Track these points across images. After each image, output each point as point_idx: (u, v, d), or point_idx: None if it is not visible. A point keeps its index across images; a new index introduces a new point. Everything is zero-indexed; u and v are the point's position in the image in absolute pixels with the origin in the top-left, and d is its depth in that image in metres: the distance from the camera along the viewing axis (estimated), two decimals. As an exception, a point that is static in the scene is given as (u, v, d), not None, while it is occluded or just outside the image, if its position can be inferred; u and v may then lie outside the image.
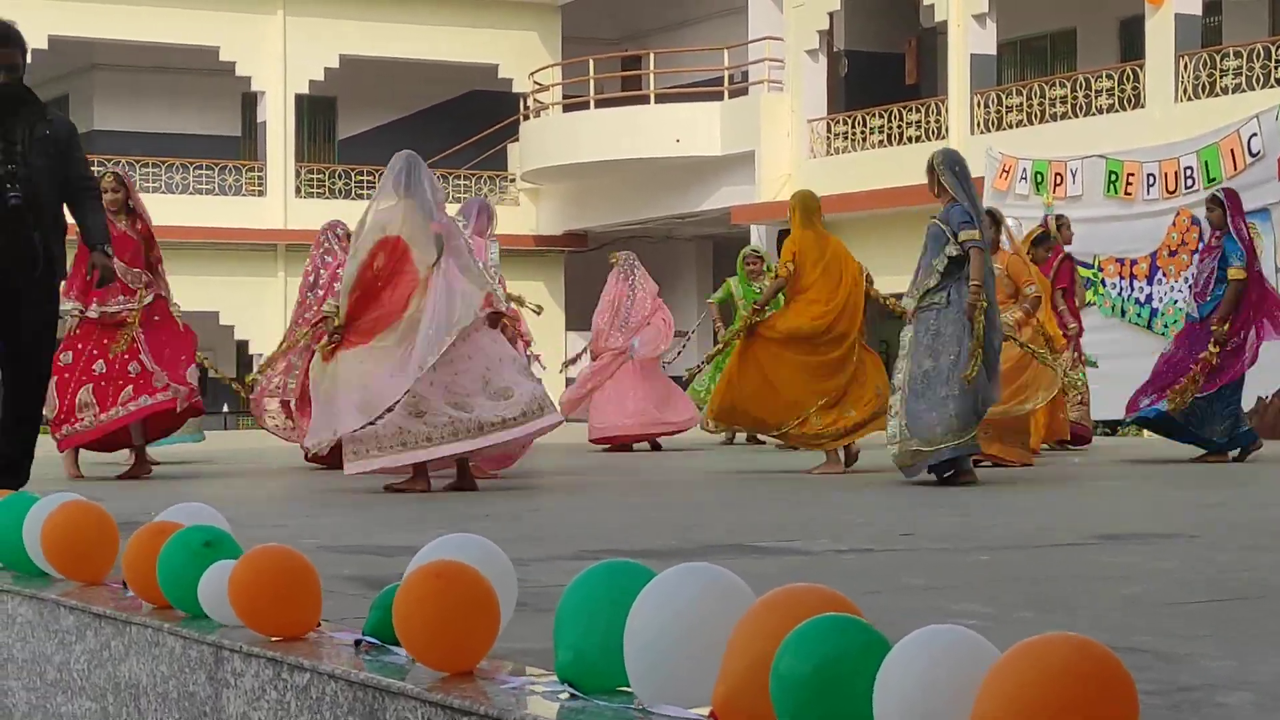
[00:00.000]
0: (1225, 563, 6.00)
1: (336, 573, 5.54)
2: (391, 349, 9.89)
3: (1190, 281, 12.78)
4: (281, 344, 13.73)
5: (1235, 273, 12.52)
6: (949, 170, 10.40)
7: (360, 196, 33.10)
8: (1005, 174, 18.86)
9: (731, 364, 12.03)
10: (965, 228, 10.21)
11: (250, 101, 33.59)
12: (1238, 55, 22.30)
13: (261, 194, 32.46)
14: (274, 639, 3.90)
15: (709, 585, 3.13)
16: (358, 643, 3.72)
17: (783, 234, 12.72)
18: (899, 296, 11.26)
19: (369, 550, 6.52)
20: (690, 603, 3.08)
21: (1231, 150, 16.72)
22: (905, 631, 2.60)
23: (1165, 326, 16.57)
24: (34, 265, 8.24)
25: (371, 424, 9.87)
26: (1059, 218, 14.34)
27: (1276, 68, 21.66)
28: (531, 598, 4.85)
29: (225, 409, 31.88)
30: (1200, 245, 15.97)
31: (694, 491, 10.94)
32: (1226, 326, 12.57)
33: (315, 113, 35.23)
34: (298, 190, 32.98)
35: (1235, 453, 12.77)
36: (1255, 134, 16.55)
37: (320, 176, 33.55)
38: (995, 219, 12.60)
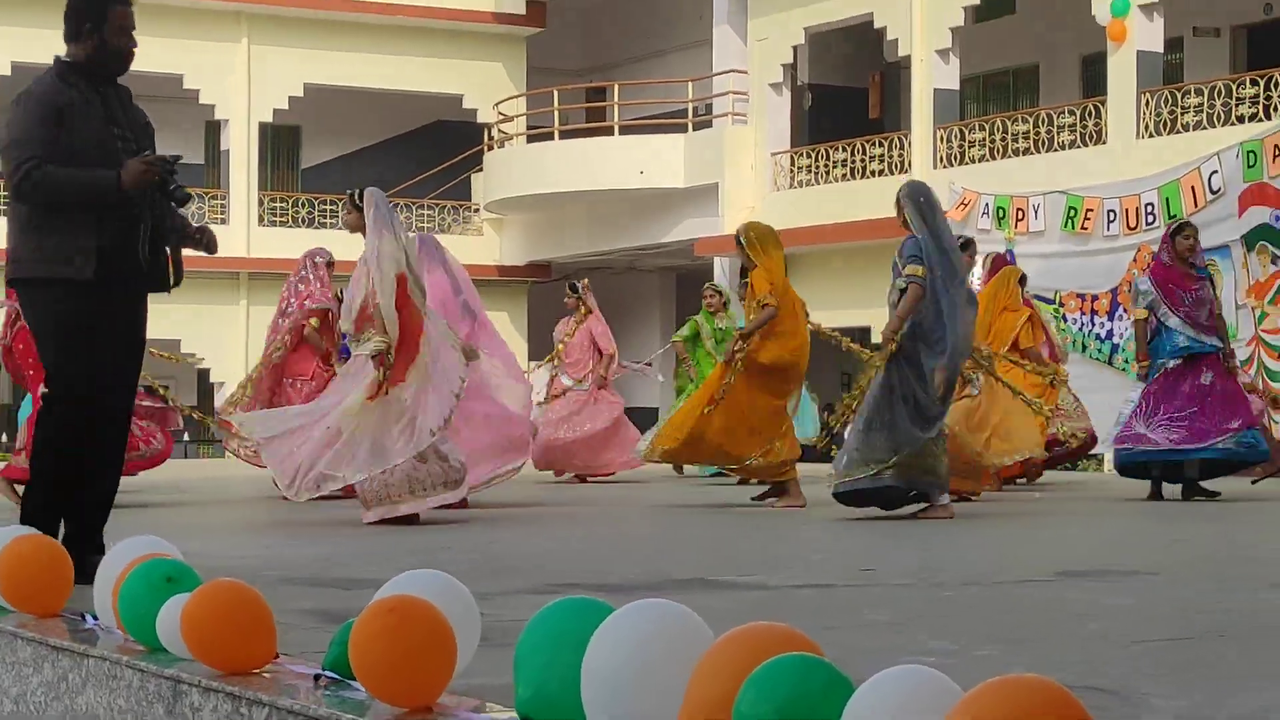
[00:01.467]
0: (1186, 600, 6.01)
1: (297, 606, 5.52)
2: (407, 402, 9.94)
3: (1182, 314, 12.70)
4: (257, 368, 13.72)
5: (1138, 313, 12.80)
6: (911, 203, 10.43)
7: (324, 225, 33.09)
8: (963, 206, 18.93)
9: (705, 397, 11.85)
10: (911, 262, 10.25)
11: (214, 130, 33.53)
12: (1199, 93, 22.40)
13: (224, 222, 32.37)
14: (232, 673, 3.87)
15: (665, 622, 3.13)
16: (317, 677, 3.70)
17: (745, 267, 12.64)
18: (848, 331, 11.30)
19: (330, 583, 6.50)
20: (647, 639, 3.08)
21: (1192, 187, 16.82)
22: (867, 669, 2.60)
23: (1125, 362, 16.64)
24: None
25: (384, 472, 9.95)
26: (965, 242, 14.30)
27: (1237, 105, 21.77)
28: (493, 632, 4.83)
29: (186, 437, 31.77)
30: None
31: (655, 524, 10.92)
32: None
33: (279, 141, 35.20)
34: (261, 219, 32.91)
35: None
36: (1216, 171, 16.64)
37: (283, 205, 33.50)
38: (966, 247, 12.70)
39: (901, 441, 10.22)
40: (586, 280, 17.54)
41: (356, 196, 10.35)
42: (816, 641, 2.98)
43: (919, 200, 10.45)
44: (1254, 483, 14.26)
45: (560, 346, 16.69)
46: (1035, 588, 6.43)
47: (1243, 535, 9.58)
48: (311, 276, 13.60)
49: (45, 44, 31.05)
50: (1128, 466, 12.81)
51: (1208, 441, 12.49)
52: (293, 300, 13.59)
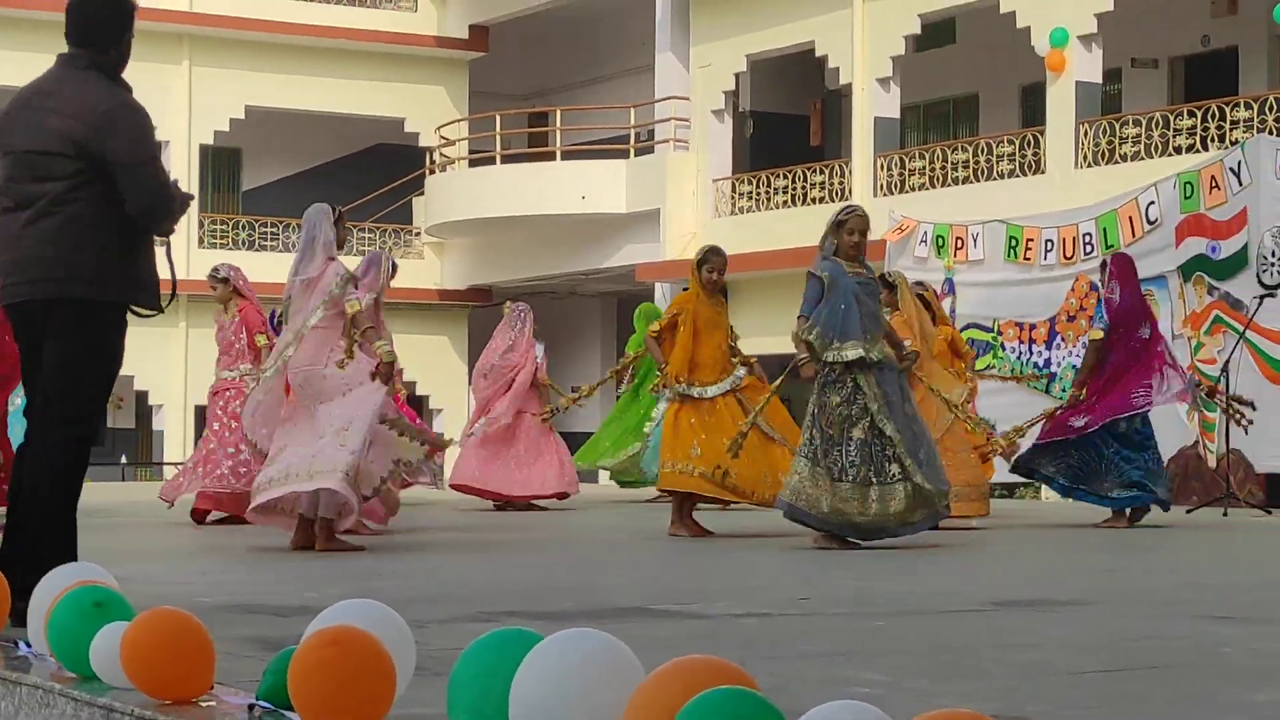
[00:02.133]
0: (1120, 631, 6.04)
1: (233, 634, 5.49)
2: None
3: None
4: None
5: (1094, 333, 12.90)
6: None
7: (264, 248, 33.00)
8: (899, 231, 19.02)
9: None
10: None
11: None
12: (1137, 124, 22.58)
13: (164, 245, 32.20)
14: (166, 702, 3.86)
15: (592, 651, 3.14)
16: (251, 707, 3.69)
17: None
18: (785, 359, 11.32)
19: (266, 610, 6.47)
20: (574, 669, 3.09)
21: (1130, 218, 16.92)
22: (802, 701, 2.60)
23: (1063, 390, 16.70)
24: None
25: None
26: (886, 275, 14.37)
27: (1175, 136, 21.94)
28: (429, 661, 4.83)
29: (123, 460, 31.58)
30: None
31: (593, 551, 10.91)
32: (1083, 390, 12.82)
33: (220, 163, 35.06)
34: (201, 241, 32.75)
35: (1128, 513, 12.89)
36: (1153, 202, 16.75)
37: (224, 228, 33.38)
38: (888, 283, 12.74)
39: (830, 469, 10.31)
40: (506, 304, 17.50)
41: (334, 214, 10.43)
42: (752, 674, 2.99)
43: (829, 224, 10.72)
44: (1189, 512, 14.36)
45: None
46: (970, 618, 6.45)
47: (1179, 565, 9.64)
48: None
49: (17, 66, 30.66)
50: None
51: (1100, 487, 12.75)
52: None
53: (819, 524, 10.29)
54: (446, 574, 8.67)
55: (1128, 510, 12.79)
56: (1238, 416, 13.86)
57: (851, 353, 10.31)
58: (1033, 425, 13.30)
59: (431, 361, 31.76)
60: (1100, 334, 12.87)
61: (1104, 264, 13.30)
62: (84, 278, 5.91)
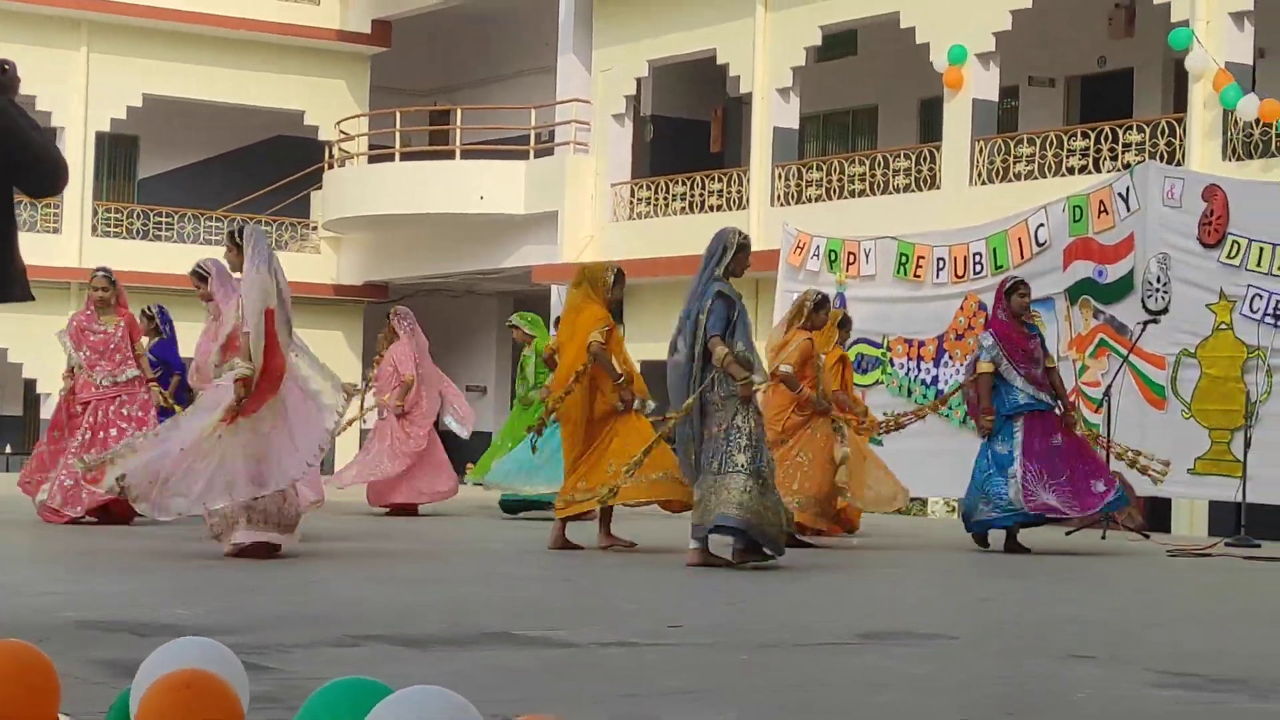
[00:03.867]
0: (981, 670, 6.10)
1: (88, 655, 5.46)
2: (273, 432, 9.94)
3: (1023, 371, 12.98)
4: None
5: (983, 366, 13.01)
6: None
7: (158, 238, 32.75)
8: (799, 250, 19.08)
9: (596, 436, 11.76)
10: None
11: (50, 137, 33.05)
12: (1031, 142, 22.80)
13: (56, 231, 31.93)
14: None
15: (434, 713, 3.14)
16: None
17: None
18: None
19: (127, 627, 6.42)
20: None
21: (1019, 239, 17.05)
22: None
23: (950, 408, 16.84)
24: None
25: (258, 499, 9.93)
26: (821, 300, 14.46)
27: (1068, 157, 22.17)
28: (285, 693, 4.82)
29: (8, 449, 31.27)
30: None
31: (474, 566, 10.87)
32: (990, 418, 12.93)
33: (116, 151, 34.74)
34: (94, 229, 32.48)
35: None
36: (1043, 224, 16.88)
37: (118, 216, 33.08)
38: (817, 301, 12.98)
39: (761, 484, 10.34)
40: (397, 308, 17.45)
41: (237, 234, 10.28)
42: (608, 713, 3.01)
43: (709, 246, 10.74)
44: (1068, 534, 14.50)
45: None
46: (834, 652, 6.49)
47: (1050, 594, 9.73)
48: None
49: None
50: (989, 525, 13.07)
51: (1088, 510, 12.92)
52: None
53: (767, 543, 10.36)
54: (320, 589, 8.63)
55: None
56: (1156, 477, 14.17)
57: (759, 377, 10.50)
58: (906, 421, 13.66)
59: (325, 356, 31.39)
60: (990, 367, 12.96)
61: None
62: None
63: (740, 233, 10.90)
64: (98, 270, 13.94)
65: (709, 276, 10.60)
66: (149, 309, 15.43)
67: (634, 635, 6.80)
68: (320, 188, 33.36)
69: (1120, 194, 16.17)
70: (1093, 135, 22.03)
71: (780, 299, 18.89)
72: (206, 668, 3.66)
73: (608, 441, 11.55)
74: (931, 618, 8.13)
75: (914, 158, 24.26)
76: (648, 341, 27.25)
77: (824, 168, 25.53)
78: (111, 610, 7.07)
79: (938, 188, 23.55)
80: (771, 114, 25.98)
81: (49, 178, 6.06)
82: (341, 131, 32.68)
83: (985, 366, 12.94)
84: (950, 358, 17.60)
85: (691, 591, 9.13)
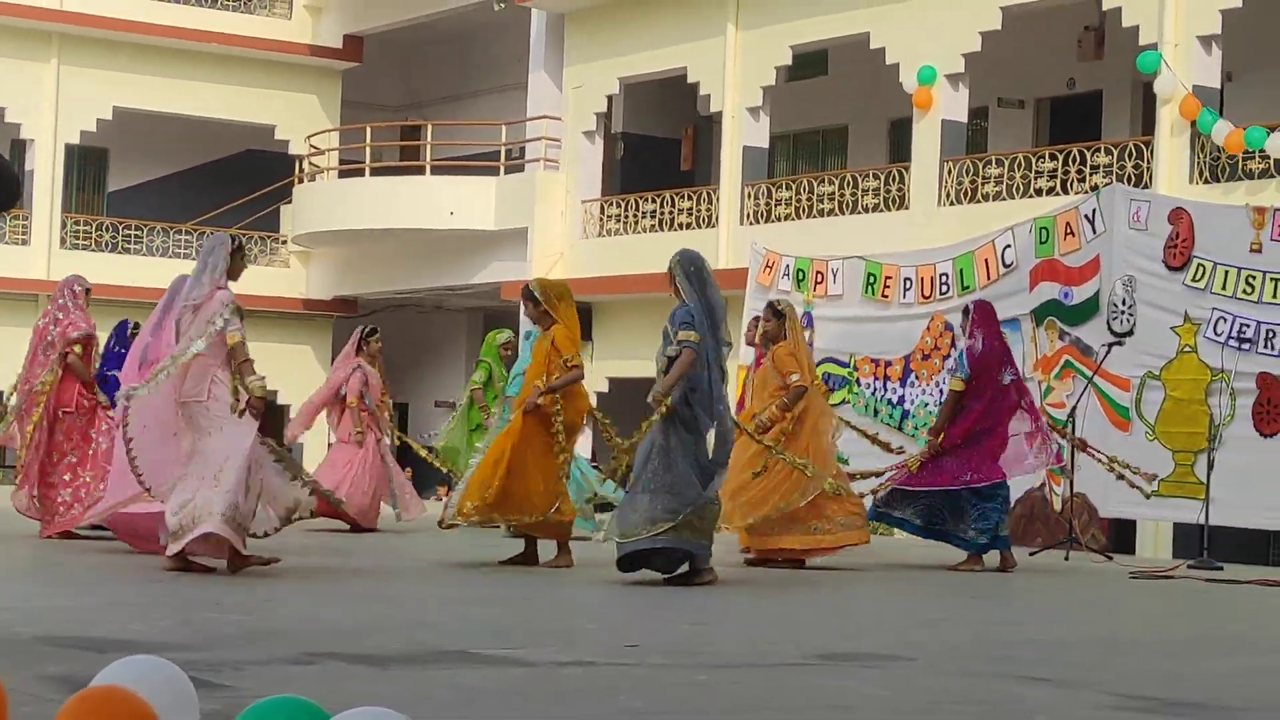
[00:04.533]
0: (938, 691, 6.09)
1: (39, 672, 5.42)
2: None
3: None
4: (15, 398, 13.55)
5: (954, 384, 13.05)
6: (682, 272, 10.53)
7: (127, 251, 32.65)
8: (769, 269, 19.09)
9: (509, 449, 11.64)
10: (684, 328, 10.34)
11: (19, 149, 32.93)
12: (1000, 163, 22.86)
13: (25, 243, 31.83)
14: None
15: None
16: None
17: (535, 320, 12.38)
18: (649, 382, 11.25)
19: (82, 644, 6.37)
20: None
21: (986, 260, 17.07)
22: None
23: (916, 428, 16.84)
24: None
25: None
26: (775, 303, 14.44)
27: (1036, 178, 22.22)
28: (236, 710, 4.77)
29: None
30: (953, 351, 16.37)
31: (431, 584, 10.82)
32: (940, 438, 12.94)
33: (86, 164, 34.64)
34: (63, 241, 32.39)
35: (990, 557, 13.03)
36: (1009, 245, 16.91)
37: (87, 229, 32.98)
38: (778, 311, 12.84)
39: (684, 502, 10.23)
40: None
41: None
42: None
43: (689, 269, 10.55)
44: (1032, 554, 14.52)
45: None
46: (792, 673, 6.47)
47: (1010, 615, 9.73)
48: (71, 305, 13.41)
49: None
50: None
51: (958, 529, 12.96)
52: (53, 329, 13.39)
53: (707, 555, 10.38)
54: (280, 606, 8.59)
55: (984, 554, 12.94)
56: (1142, 488, 14.28)
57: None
58: (890, 478, 13.41)
59: (293, 371, 31.46)
60: (961, 384, 13.01)
61: (966, 310, 13.45)
62: None
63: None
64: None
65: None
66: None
67: (592, 654, 6.77)
68: (290, 202, 33.31)
69: (1086, 216, 16.21)
70: (1061, 157, 22.08)
71: (748, 318, 18.88)
72: (155, 685, 3.63)
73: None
74: (891, 637, 8.12)
75: (883, 178, 24.30)
76: (615, 359, 27.39)
77: (793, 187, 25.56)
78: (68, 626, 7.03)
79: (906, 208, 23.59)
80: (742, 133, 26.01)
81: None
82: (312, 146, 32.63)
83: (958, 384, 13.05)
84: (917, 378, 17.61)
85: (653, 610, 9.10)
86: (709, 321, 10.39)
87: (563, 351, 11.52)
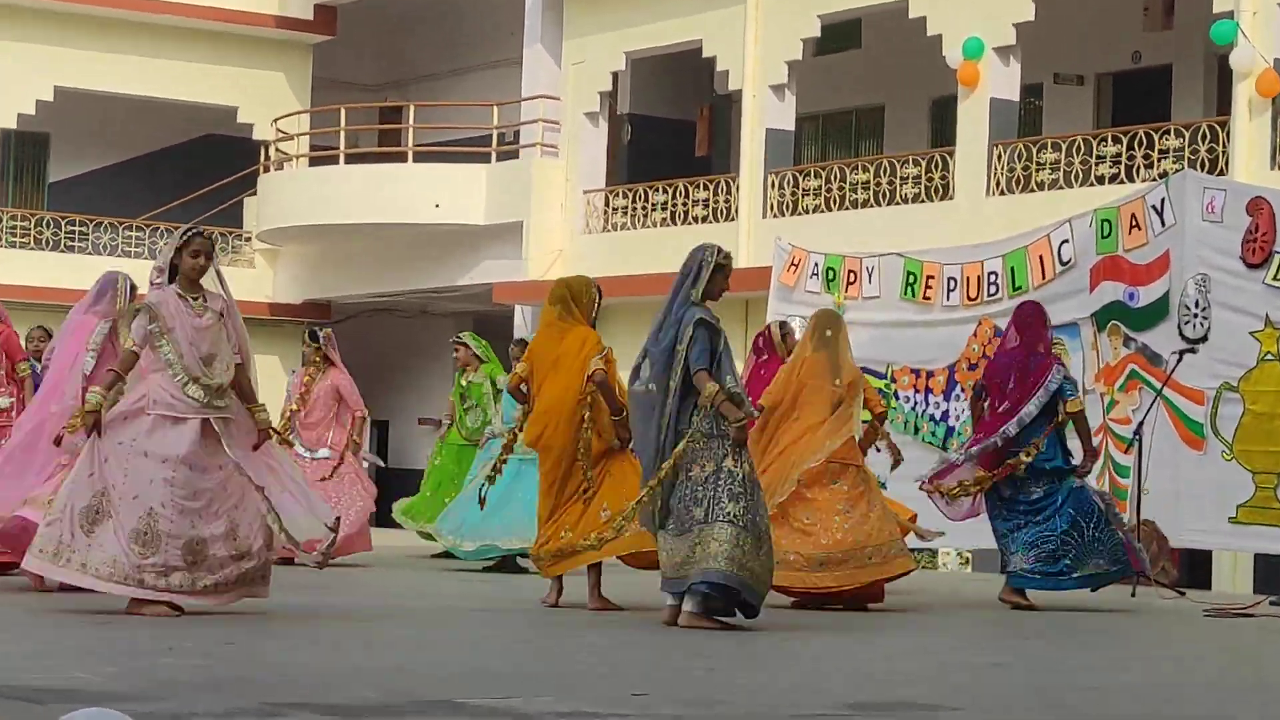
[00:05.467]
0: (983, 745, 6.10)
1: (-25, 727, 5.45)
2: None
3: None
4: None
5: (1072, 405, 13.14)
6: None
7: (71, 249, 32.70)
8: (794, 267, 19.04)
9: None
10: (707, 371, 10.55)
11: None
12: (1056, 148, 22.84)
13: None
14: None
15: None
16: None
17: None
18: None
19: (22, 694, 6.39)
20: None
21: (1040, 257, 16.98)
22: None
23: (960, 447, 16.83)
24: None
25: None
26: (782, 325, 14.48)
27: (1097, 164, 22.22)
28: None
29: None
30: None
31: (410, 623, 10.83)
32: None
33: (24, 151, 34.72)
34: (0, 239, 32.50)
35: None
36: (1067, 240, 16.83)
37: (26, 225, 33.04)
38: (784, 331, 13.02)
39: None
40: (330, 330, 17.38)
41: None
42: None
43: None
44: (1094, 589, 14.53)
45: (295, 407, 16.48)
46: (820, 725, 6.48)
47: (1068, 662, 9.72)
48: None
49: None
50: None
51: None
52: None
53: (757, 601, 10.32)
54: (243, 648, 8.60)
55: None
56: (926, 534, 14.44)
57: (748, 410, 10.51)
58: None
59: (258, 384, 31.47)
60: (1079, 404, 13.18)
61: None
62: None
63: (720, 250, 10.79)
64: None
65: (684, 299, 10.54)
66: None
67: (593, 704, 6.78)
68: (255, 193, 33.35)
69: (1154, 207, 16.15)
70: (1125, 140, 22.09)
71: (771, 323, 18.87)
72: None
73: (599, 483, 11.44)
74: (933, 686, 8.11)
75: (924, 164, 24.31)
76: (623, 370, 27.27)
77: (822, 175, 25.57)
78: (13, 673, 7.04)
79: (950, 198, 23.60)
80: (764, 114, 26.02)
81: None
82: (279, 130, 32.66)
83: (1076, 405, 13.18)
84: (962, 390, 17.54)
85: (664, 654, 9.10)
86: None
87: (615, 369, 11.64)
